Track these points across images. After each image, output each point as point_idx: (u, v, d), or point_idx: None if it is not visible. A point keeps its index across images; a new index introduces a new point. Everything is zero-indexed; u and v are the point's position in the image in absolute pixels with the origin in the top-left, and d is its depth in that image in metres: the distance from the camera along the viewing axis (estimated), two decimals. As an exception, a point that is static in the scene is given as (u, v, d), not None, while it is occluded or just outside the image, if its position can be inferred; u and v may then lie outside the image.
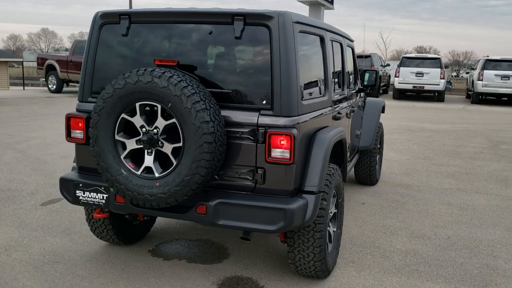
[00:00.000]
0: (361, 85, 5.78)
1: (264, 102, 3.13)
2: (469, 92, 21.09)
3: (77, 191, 3.50)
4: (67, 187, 3.55)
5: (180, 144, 3.00)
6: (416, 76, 19.46)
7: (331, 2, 24.05)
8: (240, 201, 3.12)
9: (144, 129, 3.09)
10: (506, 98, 20.23)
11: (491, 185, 6.65)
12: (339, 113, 4.28)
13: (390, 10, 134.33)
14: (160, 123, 3.04)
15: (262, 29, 3.13)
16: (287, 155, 3.05)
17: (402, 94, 20.71)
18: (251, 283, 3.61)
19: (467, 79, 23.26)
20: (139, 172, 3.12)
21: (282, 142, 3.05)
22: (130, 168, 3.14)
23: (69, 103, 15.58)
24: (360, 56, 21.60)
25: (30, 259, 3.92)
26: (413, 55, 20.67)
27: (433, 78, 19.28)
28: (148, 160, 3.11)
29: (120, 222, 4.05)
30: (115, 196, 3.34)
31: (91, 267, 3.81)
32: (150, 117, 3.08)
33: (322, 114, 3.71)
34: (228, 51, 3.30)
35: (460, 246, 4.42)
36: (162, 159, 3.11)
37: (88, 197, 3.47)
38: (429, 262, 4.05)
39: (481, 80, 18.82)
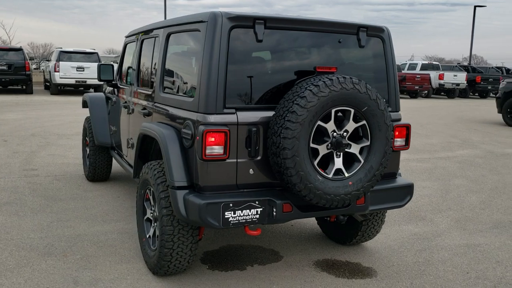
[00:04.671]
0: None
1: (384, 100, 3.73)
2: (47, 84, 21.48)
3: (226, 213, 3.14)
4: (214, 211, 3.11)
5: (368, 143, 3.31)
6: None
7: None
8: (381, 186, 3.66)
9: (334, 133, 3.21)
10: (82, 88, 21.16)
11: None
12: None
13: None
14: (351, 126, 3.24)
15: (377, 39, 3.70)
16: (404, 143, 3.80)
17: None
18: (338, 262, 4.10)
19: (44, 71, 23.46)
20: (331, 175, 3.22)
21: (400, 133, 3.77)
22: (322, 173, 3.19)
23: None
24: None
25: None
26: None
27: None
28: (339, 162, 3.25)
29: None
30: (282, 206, 3.24)
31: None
32: (338, 122, 3.22)
33: None
34: (354, 58, 3.67)
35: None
36: (346, 159, 3.31)
37: (240, 216, 3.18)
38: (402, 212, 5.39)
39: (58, 72, 19.39)
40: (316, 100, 3.05)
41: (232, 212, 3.15)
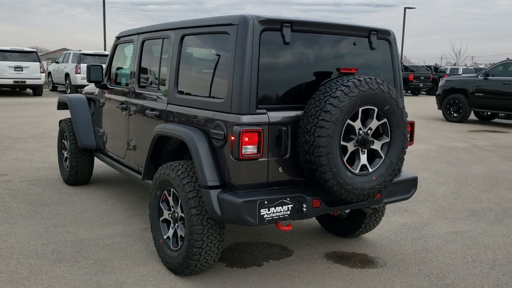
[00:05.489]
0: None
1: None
2: None
3: (261, 210, 3.24)
4: (251, 209, 3.20)
5: (388, 140, 3.52)
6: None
7: None
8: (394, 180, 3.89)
9: (360, 131, 3.38)
10: (18, 89, 20.47)
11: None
12: None
13: None
14: (374, 124, 3.43)
15: (384, 42, 3.93)
16: (409, 139, 4.06)
17: None
18: (346, 254, 4.30)
19: None
20: (357, 171, 3.40)
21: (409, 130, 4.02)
22: (351, 169, 3.37)
23: None
24: None
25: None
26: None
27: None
28: (364, 159, 3.43)
29: None
30: (312, 202, 3.38)
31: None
32: (363, 120, 3.40)
33: None
34: (365, 59, 3.87)
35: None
36: (369, 156, 3.50)
37: (273, 212, 3.30)
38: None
39: None
40: (347, 100, 3.21)
41: (267, 209, 3.25)
